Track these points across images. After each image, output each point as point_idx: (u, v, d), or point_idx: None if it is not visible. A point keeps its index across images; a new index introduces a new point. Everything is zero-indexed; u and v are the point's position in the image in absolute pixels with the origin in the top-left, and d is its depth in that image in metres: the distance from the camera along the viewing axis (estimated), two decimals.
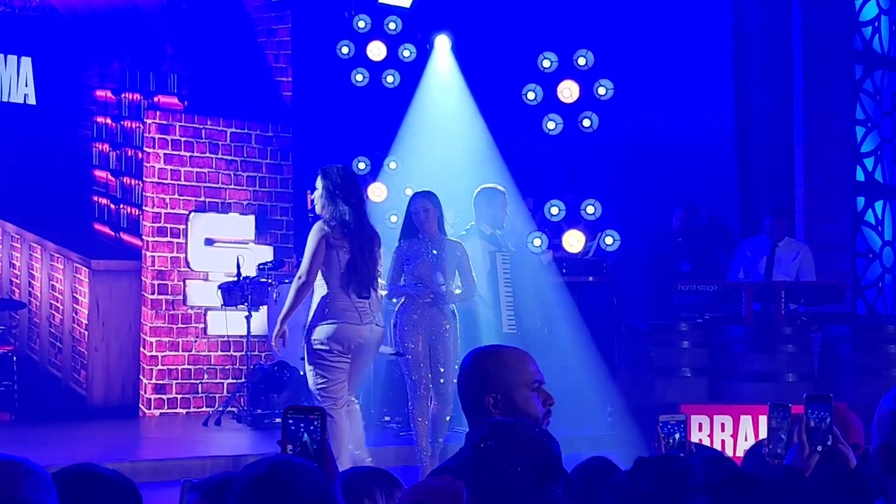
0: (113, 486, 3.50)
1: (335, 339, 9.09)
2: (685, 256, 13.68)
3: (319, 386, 9.07)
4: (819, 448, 3.89)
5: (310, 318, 9.31)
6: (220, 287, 14.72)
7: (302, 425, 3.32)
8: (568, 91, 14.73)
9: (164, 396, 15.63)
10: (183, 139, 15.62)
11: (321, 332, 9.13)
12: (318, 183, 9.31)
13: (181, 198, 15.56)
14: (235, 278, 14.45)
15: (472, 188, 12.89)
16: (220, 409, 14.13)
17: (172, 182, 15.50)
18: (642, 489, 3.43)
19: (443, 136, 14.94)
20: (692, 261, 13.65)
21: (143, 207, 15.52)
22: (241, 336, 14.70)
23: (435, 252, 10.38)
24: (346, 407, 9.11)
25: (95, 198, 16.21)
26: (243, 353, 14.86)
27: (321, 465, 3.28)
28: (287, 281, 14.28)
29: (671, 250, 13.91)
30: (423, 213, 10.51)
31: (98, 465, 3.54)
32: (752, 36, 15.31)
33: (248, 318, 14.32)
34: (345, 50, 15.22)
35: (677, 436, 4.21)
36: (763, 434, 4.31)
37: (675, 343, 11.30)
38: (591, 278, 13.75)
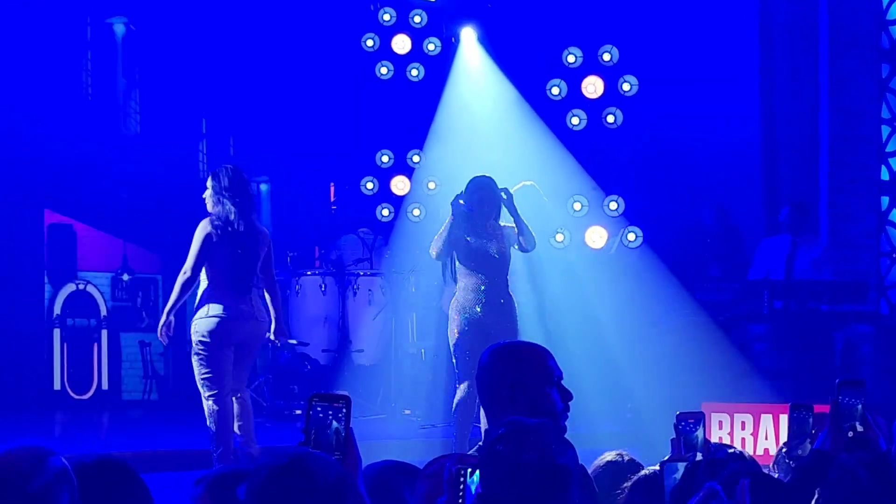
0: (119, 476, 3.51)
1: (216, 333, 9.22)
2: (715, 260, 13.58)
3: (203, 377, 9.30)
4: (850, 433, 3.88)
5: (195, 313, 9.45)
6: None
7: (330, 413, 3.31)
8: (592, 87, 14.71)
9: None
10: None
11: (203, 325, 9.28)
12: (208, 183, 9.44)
13: None
14: None
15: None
16: None
17: None
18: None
19: (467, 130, 14.91)
20: (721, 265, 13.56)
21: None
22: None
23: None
24: (232, 397, 9.32)
25: None
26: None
27: (345, 452, 3.29)
28: (310, 273, 14.34)
29: (695, 248, 13.85)
30: None
31: (101, 456, 3.57)
32: (778, 33, 15.25)
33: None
34: (370, 43, 15.21)
35: (699, 433, 4.17)
36: (784, 433, 4.30)
37: (697, 340, 11.27)
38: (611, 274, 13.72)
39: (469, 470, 3.39)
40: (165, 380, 19.67)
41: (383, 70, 15.20)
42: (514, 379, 3.96)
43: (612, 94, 14.69)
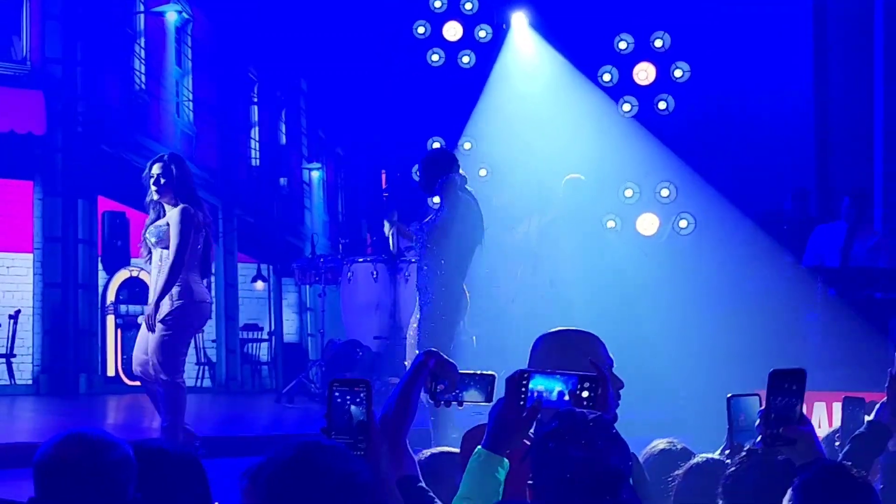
0: (177, 462, 3.53)
1: (199, 317, 9.17)
2: (789, 247, 13.41)
3: (179, 357, 9.11)
4: None
5: (177, 299, 9.10)
6: (294, 265, 14.82)
7: (348, 398, 3.32)
8: (644, 73, 14.66)
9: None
10: None
11: (197, 314, 9.13)
12: (172, 169, 9.23)
13: None
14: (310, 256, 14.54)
15: (549, 170, 12.87)
16: (292, 385, 14.22)
17: None
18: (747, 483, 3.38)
19: (518, 117, 14.89)
20: (796, 251, 13.38)
21: None
22: None
23: None
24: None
25: None
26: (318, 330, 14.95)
27: (367, 437, 3.29)
28: (361, 260, 14.36)
29: (748, 234, 13.72)
30: None
31: (160, 442, 3.59)
32: (832, 17, 15.13)
33: (321, 296, 14.40)
34: (421, 30, 15.22)
35: (755, 410, 4.08)
36: (837, 422, 4.27)
37: (748, 328, 11.21)
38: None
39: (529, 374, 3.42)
40: (218, 366, 19.81)
41: (434, 57, 15.21)
42: (564, 366, 3.94)
43: (663, 81, 14.63)
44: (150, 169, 9.02)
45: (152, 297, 8.94)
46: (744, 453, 3.64)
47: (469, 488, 3.43)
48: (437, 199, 9.22)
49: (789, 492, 3.24)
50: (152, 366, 8.84)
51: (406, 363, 9.47)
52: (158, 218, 9.00)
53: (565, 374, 3.45)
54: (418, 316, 9.27)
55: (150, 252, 9.03)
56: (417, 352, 8.80)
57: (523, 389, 3.42)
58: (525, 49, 15.19)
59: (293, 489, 2.85)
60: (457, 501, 3.43)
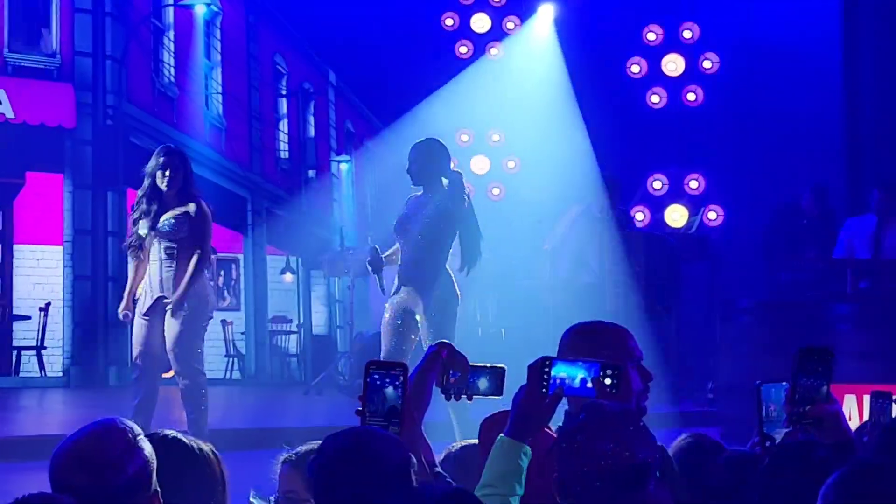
0: (190, 453, 3.55)
1: (210, 310, 9.09)
2: (810, 242, 13.34)
3: (200, 351, 8.99)
4: None
5: (197, 291, 8.97)
6: (323, 257, 14.84)
7: (387, 381, 3.32)
8: (673, 64, 14.61)
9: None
10: None
11: (210, 306, 9.05)
12: (182, 165, 9.02)
13: None
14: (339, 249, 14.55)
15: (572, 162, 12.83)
16: (321, 378, 14.25)
17: None
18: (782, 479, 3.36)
19: (546, 109, 14.86)
20: (817, 246, 13.31)
21: None
22: None
23: None
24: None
25: None
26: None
27: (402, 420, 3.30)
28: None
29: (778, 226, 13.66)
30: None
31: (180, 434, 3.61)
32: (862, 10, 15.04)
33: (350, 288, 14.41)
34: (449, 22, 15.21)
35: (784, 394, 4.01)
36: (867, 415, 4.24)
37: (779, 320, 11.16)
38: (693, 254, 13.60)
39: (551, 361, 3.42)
40: (247, 358, 19.87)
41: (463, 49, 15.19)
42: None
43: (692, 72, 14.59)
44: (158, 159, 8.81)
45: (156, 289, 8.61)
46: (777, 448, 3.61)
47: (491, 476, 3.43)
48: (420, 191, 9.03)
49: (824, 488, 3.23)
50: (174, 359, 8.74)
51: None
52: (162, 209, 8.67)
53: (588, 362, 3.44)
54: (394, 307, 8.99)
55: (139, 242, 8.70)
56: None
57: (545, 376, 3.42)
58: (551, 40, 15.15)
59: (352, 478, 2.87)
60: (479, 489, 3.43)
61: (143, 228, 8.65)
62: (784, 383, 3.91)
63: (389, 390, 3.32)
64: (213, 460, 3.59)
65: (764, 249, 13.68)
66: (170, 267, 8.68)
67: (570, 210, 11.70)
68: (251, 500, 4.07)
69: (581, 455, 3.02)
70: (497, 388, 3.61)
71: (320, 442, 3.14)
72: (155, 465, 3.15)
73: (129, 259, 8.85)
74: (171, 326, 8.66)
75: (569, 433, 3.10)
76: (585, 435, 3.05)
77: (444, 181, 8.89)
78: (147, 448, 3.14)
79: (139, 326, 8.71)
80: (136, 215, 8.70)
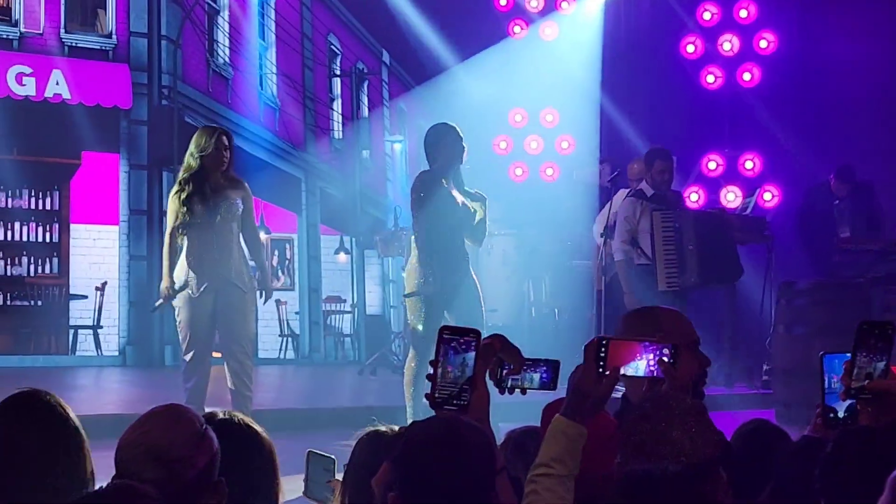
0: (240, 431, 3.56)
1: None
2: (844, 222, 13.25)
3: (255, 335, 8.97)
4: None
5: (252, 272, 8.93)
6: (377, 237, 14.85)
7: (462, 347, 3.29)
8: (729, 44, 14.50)
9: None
10: None
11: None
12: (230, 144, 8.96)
13: None
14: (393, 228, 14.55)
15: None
16: (375, 357, 14.28)
17: None
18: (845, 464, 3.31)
19: (594, 88, 14.79)
20: (852, 227, 13.22)
21: None
22: None
23: None
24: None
25: None
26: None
27: (471, 388, 3.27)
28: None
29: (828, 208, 13.56)
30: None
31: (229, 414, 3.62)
32: None
33: (404, 268, 14.42)
34: (503, 2, 15.16)
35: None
36: None
37: (835, 302, 11.07)
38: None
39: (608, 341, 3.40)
40: (301, 338, 19.95)
41: (517, 29, 15.14)
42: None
43: (748, 52, 14.47)
44: (217, 138, 8.65)
45: (211, 270, 8.53)
46: (840, 434, 3.56)
47: (547, 456, 3.42)
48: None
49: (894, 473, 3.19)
50: (234, 340, 8.66)
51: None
52: (215, 189, 8.50)
53: (643, 342, 3.42)
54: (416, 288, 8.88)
55: (190, 222, 8.49)
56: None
57: (602, 356, 3.40)
58: (592, 22, 15.06)
59: (442, 467, 2.85)
60: (534, 468, 3.42)
61: (198, 208, 8.48)
62: (848, 354, 3.85)
63: (461, 357, 3.29)
64: (264, 438, 3.61)
65: (799, 230, 13.59)
66: (228, 247, 8.67)
67: (618, 194, 11.63)
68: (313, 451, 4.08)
69: (644, 450, 3.00)
70: (551, 382, 3.59)
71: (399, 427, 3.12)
72: (219, 457, 3.16)
73: (174, 239, 8.65)
74: (235, 307, 8.60)
75: (633, 425, 3.08)
76: (650, 430, 3.03)
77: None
78: (214, 439, 3.15)
79: (191, 307, 8.56)
80: (184, 195, 8.49)
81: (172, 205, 8.62)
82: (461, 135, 8.93)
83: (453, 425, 2.94)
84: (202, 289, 8.49)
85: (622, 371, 3.39)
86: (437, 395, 3.25)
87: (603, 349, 3.38)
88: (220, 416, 3.61)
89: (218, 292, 8.51)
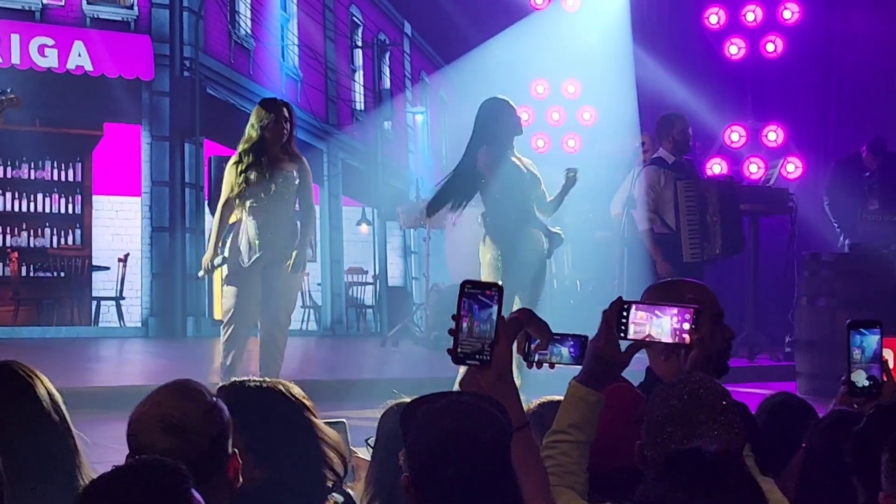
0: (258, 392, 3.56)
1: None
2: (874, 194, 13.17)
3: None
4: None
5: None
6: (399, 208, 14.84)
7: (485, 300, 3.27)
8: (752, 14, 14.42)
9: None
10: None
11: None
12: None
13: None
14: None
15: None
16: (397, 329, 14.29)
17: None
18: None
19: (623, 59, 14.72)
20: (881, 199, 13.13)
21: None
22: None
23: None
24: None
25: None
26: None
27: (494, 342, 3.24)
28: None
29: (857, 180, 13.48)
30: None
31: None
32: None
33: (426, 240, 14.42)
34: None
35: (875, 343, 3.90)
36: None
37: (859, 274, 11.03)
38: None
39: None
40: (324, 310, 19.97)
41: (539, 0, 15.08)
42: None
43: (772, 22, 14.39)
44: (282, 110, 8.46)
45: (261, 244, 8.50)
46: (876, 408, 3.55)
47: (564, 422, 3.40)
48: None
49: None
50: (277, 313, 8.64)
51: None
52: (272, 162, 8.41)
53: (666, 305, 3.39)
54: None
55: (245, 194, 8.40)
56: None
57: (623, 321, 3.38)
58: None
59: (454, 462, 2.82)
60: (549, 435, 3.41)
61: (254, 179, 8.41)
62: (877, 324, 3.84)
63: (485, 312, 3.26)
64: (282, 395, 3.59)
65: (829, 202, 13.54)
66: (281, 220, 8.55)
67: (633, 170, 11.59)
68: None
69: (669, 440, 2.98)
70: (580, 357, 3.56)
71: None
72: (231, 429, 3.16)
73: (227, 210, 8.60)
74: (282, 280, 8.56)
75: (663, 410, 3.05)
76: (678, 420, 3.00)
77: None
78: (225, 410, 3.16)
79: (240, 279, 8.52)
80: (242, 166, 8.40)
81: (229, 175, 8.55)
82: (514, 106, 8.89)
83: (465, 415, 2.87)
84: (252, 260, 8.47)
85: (646, 336, 3.36)
86: (459, 350, 3.23)
87: (625, 313, 3.35)
88: (260, 382, 3.60)
89: (267, 265, 8.48)
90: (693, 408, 3.01)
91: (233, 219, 8.69)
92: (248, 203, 8.49)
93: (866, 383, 3.85)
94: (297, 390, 3.55)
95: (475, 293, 3.25)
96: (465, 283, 3.25)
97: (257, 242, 8.49)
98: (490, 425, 2.84)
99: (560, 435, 3.38)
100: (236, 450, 3.15)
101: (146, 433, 3.05)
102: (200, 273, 8.80)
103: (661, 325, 3.36)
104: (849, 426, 3.55)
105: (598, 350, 3.39)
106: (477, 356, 3.22)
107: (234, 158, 8.53)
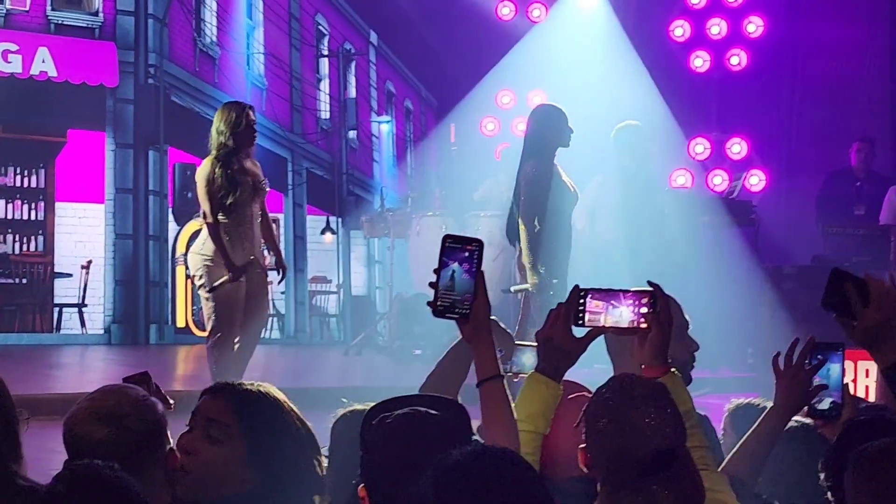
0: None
1: None
2: (861, 200, 13.17)
3: None
4: None
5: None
6: (363, 218, 14.84)
7: (465, 254, 3.30)
8: (717, 28, 14.48)
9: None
10: None
11: None
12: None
13: None
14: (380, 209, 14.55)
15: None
16: (360, 338, 14.27)
17: None
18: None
19: (587, 70, 14.75)
20: (867, 204, 13.13)
21: None
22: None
23: None
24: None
25: None
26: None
27: (473, 295, 3.26)
28: (430, 213, 14.34)
29: (829, 192, 13.48)
30: None
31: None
32: None
33: (390, 249, 14.42)
34: None
35: (836, 372, 3.93)
36: None
37: (821, 286, 11.08)
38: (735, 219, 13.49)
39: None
40: (287, 318, 19.93)
41: (505, 10, 15.09)
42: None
43: (736, 36, 14.45)
44: (250, 114, 8.48)
45: (249, 249, 8.57)
46: (844, 425, 3.57)
47: (522, 412, 3.39)
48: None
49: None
50: (260, 319, 8.72)
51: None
52: (241, 168, 8.44)
53: (623, 292, 3.41)
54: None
55: (224, 201, 8.37)
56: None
57: (580, 308, 3.40)
58: (596, 2, 15.02)
59: (404, 475, 2.82)
60: None
61: (233, 187, 8.39)
62: (840, 346, 3.87)
63: (464, 266, 3.28)
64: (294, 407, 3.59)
65: (818, 214, 13.56)
66: (255, 227, 8.60)
67: (593, 181, 11.62)
68: None
69: (606, 434, 2.98)
70: None
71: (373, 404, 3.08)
72: (167, 424, 3.19)
73: (219, 220, 8.51)
74: (261, 287, 8.61)
75: (597, 406, 3.06)
76: (611, 414, 3.01)
77: None
78: (159, 406, 3.20)
79: (228, 288, 8.47)
80: (224, 175, 8.35)
81: (209, 186, 8.44)
82: (566, 115, 8.89)
83: (417, 433, 2.87)
84: (241, 266, 8.50)
85: (603, 322, 3.38)
86: (438, 303, 3.27)
87: (581, 300, 3.37)
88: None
89: (248, 272, 8.47)
90: (625, 397, 3.01)
91: (196, 226, 8.67)
92: (228, 211, 8.45)
93: (827, 406, 3.88)
94: (282, 394, 3.57)
95: (455, 247, 3.27)
96: (446, 238, 3.31)
97: (240, 251, 8.46)
98: (443, 436, 2.84)
99: (519, 424, 3.37)
100: (173, 447, 3.16)
101: (81, 425, 3.10)
102: (221, 281, 8.55)
103: (618, 312, 3.38)
104: (811, 440, 3.59)
105: (556, 339, 3.40)
106: (456, 309, 3.27)
107: (210, 167, 8.43)
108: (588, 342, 3.42)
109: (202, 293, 8.59)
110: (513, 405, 3.35)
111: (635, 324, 3.38)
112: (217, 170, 8.41)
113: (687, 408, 3.41)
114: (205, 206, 8.48)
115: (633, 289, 3.42)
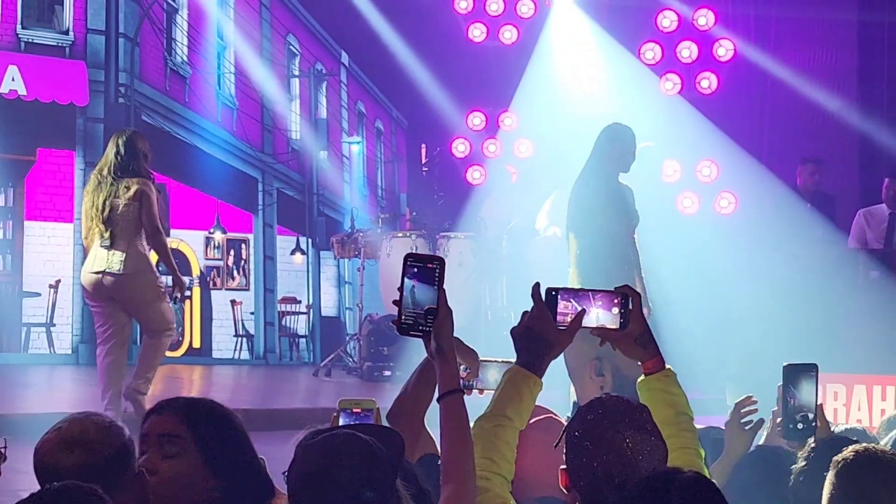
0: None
1: None
2: (816, 224, 13.19)
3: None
4: None
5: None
6: (333, 238, 14.82)
7: (426, 273, 3.33)
8: (687, 51, 14.55)
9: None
10: None
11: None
12: (145, 147, 9.57)
13: None
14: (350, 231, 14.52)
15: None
16: (330, 359, 14.24)
17: None
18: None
19: (560, 93, 14.79)
20: (817, 234, 13.17)
21: None
22: None
23: None
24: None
25: None
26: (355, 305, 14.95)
27: (435, 315, 3.29)
28: (401, 234, 14.33)
29: (791, 214, 13.53)
30: None
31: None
32: None
33: (360, 270, 14.39)
34: (462, 4, 15.14)
35: (810, 394, 3.95)
36: (879, 404, 4.21)
37: (789, 308, 11.12)
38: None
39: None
40: (256, 339, 19.87)
41: (476, 32, 15.12)
42: (599, 349, 3.85)
43: (707, 59, 14.52)
44: (145, 142, 9.24)
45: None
46: (811, 448, 3.58)
47: (504, 406, 3.38)
48: None
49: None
50: None
51: None
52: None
53: (593, 292, 3.43)
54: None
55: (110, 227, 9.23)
56: None
57: (554, 308, 3.41)
58: (569, 25, 15.06)
59: (310, 500, 2.88)
60: (489, 417, 3.39)
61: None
62: (813, 367, 3.89)
63: (426, 284, 3.32)
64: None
65: (769, 236, 13.61)
66: None
67: (552, 194, 11.67)
68: None
69: (589, 456, 2.98)
70: None
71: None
72: (135, 449, 3.22)
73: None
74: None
75: (580, 428, 3.05)
76: (594, 437, 3.01)
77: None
78: (126, 431, 3.24)
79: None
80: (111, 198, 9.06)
81: (155, 206, 9.26)
82: (633, 136, 8.93)
83: (329, 456, 2.93)
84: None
85: (576, 320, 3.39)
86: (402, 320, 3.33)
87: (554, 301, 3.39)
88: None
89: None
90: (608, 419, 3.01)
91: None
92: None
93: (800, 427, 3.89)
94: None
95: (416, 266, 3.34)
96: (407, 257, 3.37)
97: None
98: (356, 467, 2.89)
99: (502, 419, 3.36)
100: (144, 470, 3.19)
101: (49, 454, 3.15)
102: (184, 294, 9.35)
103: (590, 314, 3.39)
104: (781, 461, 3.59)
105: (527, 325, 3.40)
106: (420, 327, 3.32)
107: (150, 185, 9.07)
108: (571, 335, 3.42)
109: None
110: (471, 422, 3.35)
111: (608, 323, 3.39)
112: (153, 189, 9.25)
113: (680, 406, 3.43)
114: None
115: (601, 289, 3.43)
